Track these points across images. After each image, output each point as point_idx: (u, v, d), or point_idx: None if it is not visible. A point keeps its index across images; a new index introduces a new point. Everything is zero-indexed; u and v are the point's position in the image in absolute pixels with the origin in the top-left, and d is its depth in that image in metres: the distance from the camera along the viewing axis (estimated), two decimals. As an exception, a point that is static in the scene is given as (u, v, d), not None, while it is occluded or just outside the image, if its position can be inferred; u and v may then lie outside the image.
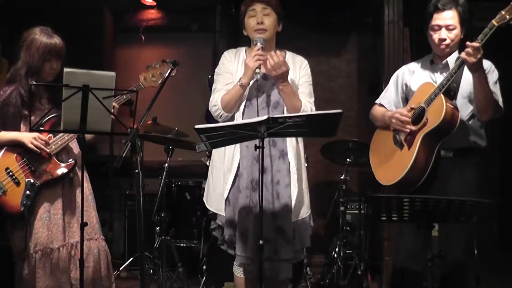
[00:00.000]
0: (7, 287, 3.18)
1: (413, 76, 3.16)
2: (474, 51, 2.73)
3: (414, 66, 3.21)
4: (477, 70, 2.81)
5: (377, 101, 3.33)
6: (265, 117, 2.61)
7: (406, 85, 3.18)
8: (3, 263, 3.18)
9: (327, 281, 4.52)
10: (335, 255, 4.52)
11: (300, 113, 2.98)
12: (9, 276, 3.11)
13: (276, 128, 2.67)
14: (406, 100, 3.20)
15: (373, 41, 5.65)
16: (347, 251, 4.53)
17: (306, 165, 4.45)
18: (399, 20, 4.80)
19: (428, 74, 3.11)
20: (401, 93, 3.22)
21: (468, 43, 2.76)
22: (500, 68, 3.04)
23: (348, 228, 4.60)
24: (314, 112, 3.08)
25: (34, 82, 3.03)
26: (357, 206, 4.71)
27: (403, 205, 2.45)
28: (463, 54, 2.77)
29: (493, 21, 2.76)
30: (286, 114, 3.03)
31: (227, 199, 3.05)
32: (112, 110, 2.84)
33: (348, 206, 4.72)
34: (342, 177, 4.55)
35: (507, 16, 2.73)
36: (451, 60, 3.03)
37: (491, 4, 2.78)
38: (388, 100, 3.25)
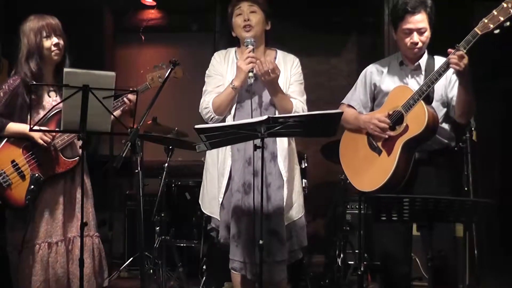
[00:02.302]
0: (3, 279, 3.18)
1: (382, 76, 3.12)
2: (459, 59, 2.72)
3: (382, 66, 3.16)
4: (464, 76, 2.79)
5: (345, 101, 3.27)
6: (265, 117, 2.60)
7: (375, 85, 3.15)
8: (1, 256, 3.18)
9: (327, 281, 4.52)
10: (335, 255, 4.51)
11: (300, 113, 2.98)
12: (6, 269, 3.12)
13: (276, 128, 2.66)
14: (373, 99, 3.18)
15: (373, 41, 5.64)
16: (347, 251, 4.52)
17: (306, 165, 4.48)
18: (399, 20, 4.79)
19: (399, 77, 3.07)
20: (369, 93, 3.18)
21: (450, 50, 2.74)
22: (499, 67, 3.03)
23: (348, 228, 4.59)
24: (315, 112, 3.06)
25: (36, 66, 3.02)
26: (357, 206, 4.70)
27: (403, 205, 2.45)
28: (453, 65, 2.74)
29: (476, 30, 2.73)
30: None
31: (222, 203, 3.06)
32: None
33: (348, 206, 4.72)
34: (342, 177, 4.53)
35: (491, 25, 2.69)
36: (423, 62, 3.02)
37: (491, 4, 2.75)
38: (357, 102, 3.20)
